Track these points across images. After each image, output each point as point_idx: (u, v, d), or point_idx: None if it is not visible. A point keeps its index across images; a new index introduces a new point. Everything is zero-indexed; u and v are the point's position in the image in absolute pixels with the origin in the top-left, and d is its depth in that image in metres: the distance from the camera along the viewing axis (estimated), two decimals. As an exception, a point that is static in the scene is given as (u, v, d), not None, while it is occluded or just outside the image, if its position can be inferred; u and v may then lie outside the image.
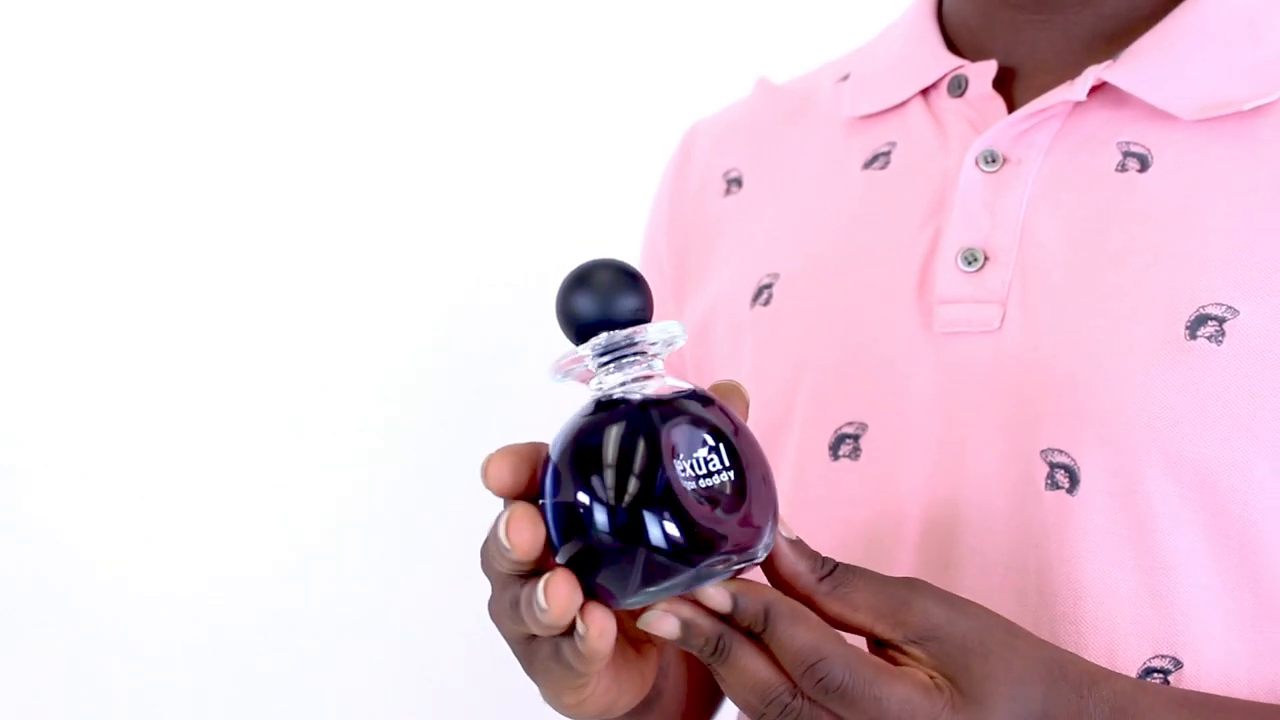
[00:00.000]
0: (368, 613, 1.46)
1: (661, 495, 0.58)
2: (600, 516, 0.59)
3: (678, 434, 0.59)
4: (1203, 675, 0.73)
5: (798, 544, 0.63)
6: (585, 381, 0.63)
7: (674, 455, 0.59)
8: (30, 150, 1.41)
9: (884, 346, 0.80)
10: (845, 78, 0.93)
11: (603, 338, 0.61)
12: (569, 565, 0.60)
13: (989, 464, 0.77)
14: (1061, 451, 0.74)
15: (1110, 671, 0.68)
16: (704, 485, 0.59)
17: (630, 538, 0.58)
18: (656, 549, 0.58)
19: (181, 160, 1.43)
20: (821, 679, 0.60)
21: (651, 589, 0.59)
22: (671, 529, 0.58)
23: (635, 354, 0.62)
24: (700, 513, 0.59)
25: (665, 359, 0.65)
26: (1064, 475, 0.74)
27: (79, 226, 1.42)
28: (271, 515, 1.45)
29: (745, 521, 0.60)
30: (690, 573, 0.59)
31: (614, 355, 0.62)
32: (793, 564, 0.63)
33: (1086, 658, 0.74)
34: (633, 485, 0.59)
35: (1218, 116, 0.76)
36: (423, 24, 1.45)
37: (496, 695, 1.47)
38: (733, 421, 0.62)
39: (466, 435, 1.45)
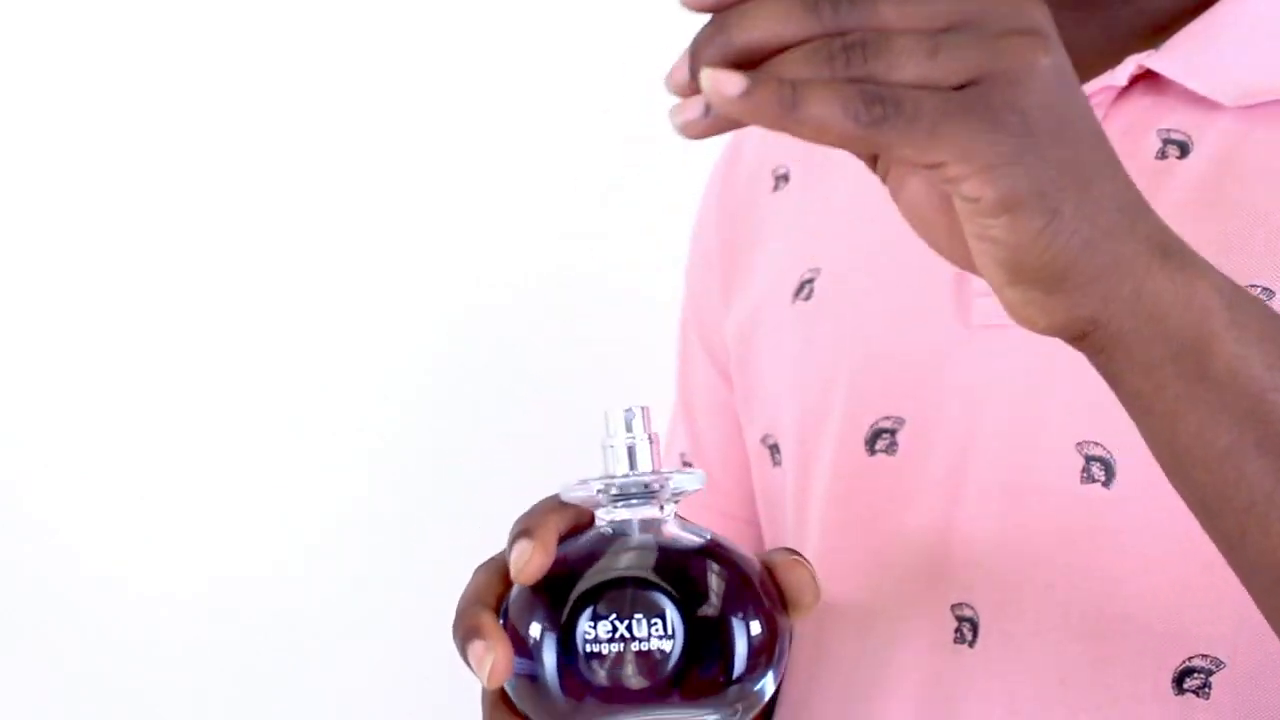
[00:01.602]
0: (368, 613, 1.45)
1: (561, 641, 0.59)
2: (530, 642, 0.60)
3: (614, 586, 0.60)
4: (1245, 675, 0.72)
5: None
6: (594, 508, 0.64)
7: (592, 606, 0.59)
8: (30, 150, 1.40)
9: (922, 340, 0.80)
10: None
11: (617, 482, 0.62)
12: (527, 679, 0.61)
13: (1025, 456, 0.76)
14: (1097, 444, 0.74)
15: None
16: (616, 650, 0.59)
17: (536, 680, 0.60)
18: (549, 694, 0.60)
19: (182, 160, 1.42)
20: None
21: None
22: (559, 678, 0.59)
23: (646, 496, 0.63)
24: (594, 677, 0.59)
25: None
26: (1100, 468, 0.74)
27: (79, 227, 1.41)
28: (272, 515, 1.44)
29: (680, 695, 0.59)
30: None
31: (625, 497, 0.62)
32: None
33: (1122, 655, 0.74)
34: (542, 627, 0.60)
35: (1261, 103, 0.76)
36: (429, 26, 1.45)
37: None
38: (727, 594, 0.61)
39: (468, 435, 1.45)
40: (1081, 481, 0.75)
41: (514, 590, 0.62)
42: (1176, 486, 0.61)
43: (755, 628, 0.59)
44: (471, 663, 0.61)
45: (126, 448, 1.42)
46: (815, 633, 0.84)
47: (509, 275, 1.45)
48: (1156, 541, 0.73)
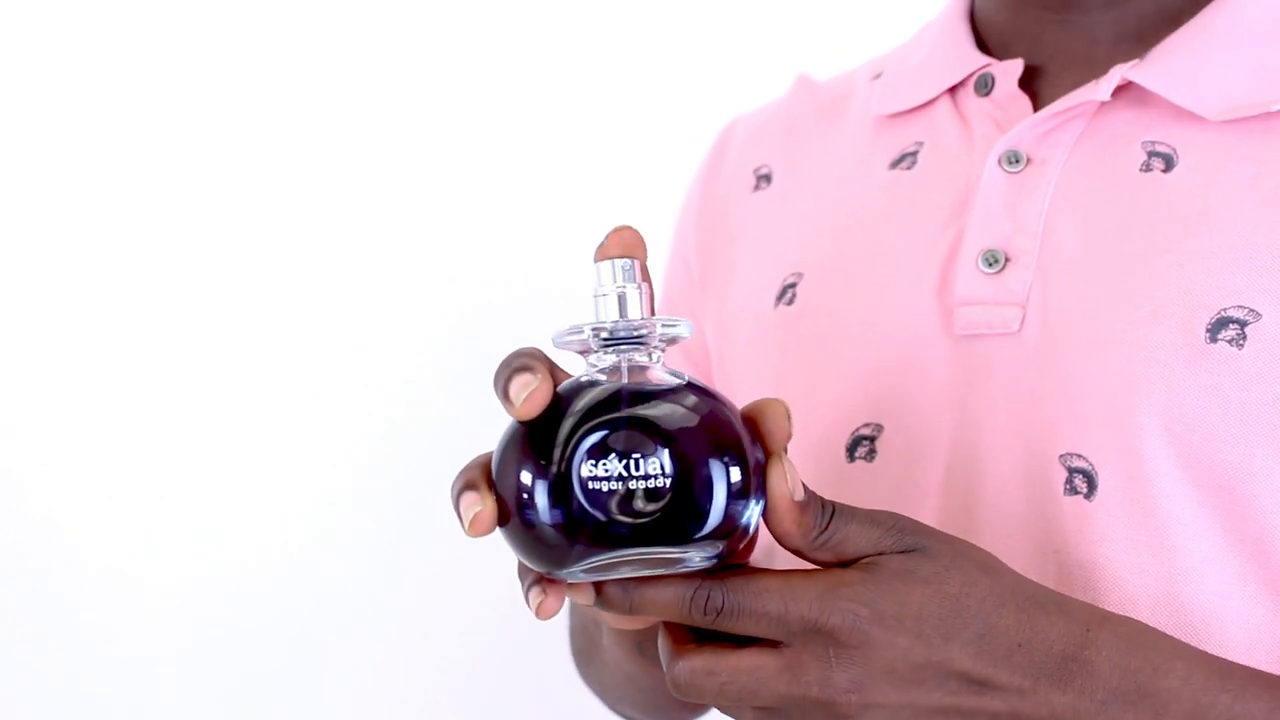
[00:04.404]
0: (369, 611, 1.46)
1: (557, 483, 0.60)
2: (524, 487, 0.61)
3: (610, 426, 0.61)
4: None
5: (805, 507, 0.63)
6: (584, 354, 0.65)
7: (590, 445, 0.60)
8: (30, 150, 1.41)
9: (903, 348, 0.80)
10: (878, 76, 0.93)
11: (607, 325, 0.63)
12: (521, 523, 0.62)
13: (1006, 467, 0.76)
14: (1079, 456, 0.74)
15: (1118, 614, 0.68)
16: (612, 489, 0.60)
17: (531, 519, 0.61)
18: (544, 536, 0.61)
19: (185, 154, 1.43)
20: (704, 608, 0.62)
21: (574, 568, 0.61)
22: (557, 518, 0.60)
23: (636, 342, 0.64)
24: (592, 511, 0.60)
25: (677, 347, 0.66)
26: (1082, 480, 0.74)
27: (80, 227, 1.41)
28: (272, 513, 1.45)
29: (669, 531, 0.61)
30: (589, 562, 0.61)
31: (615, 341, 0.64)
32: (788, 528, 0.63)
33: None
34: (535, 472, 0.60)
35: (1245, 117, 0.75)
36: (430, 26, 1.45)
37: (497, 694, 1.47)
38: (713, 432, 0.62)
39: (468, 435, 1.44)
40: (1064, 493, 0.74)
41: (503, 439, 0.63)
42: None
43: (737, 468, 0.61)
44: (460, 513, 0.61)
45: (127, 448, 1.42)
46: None
47: (509, 275, 1.46)
48: (1136, 553, 0.73)
